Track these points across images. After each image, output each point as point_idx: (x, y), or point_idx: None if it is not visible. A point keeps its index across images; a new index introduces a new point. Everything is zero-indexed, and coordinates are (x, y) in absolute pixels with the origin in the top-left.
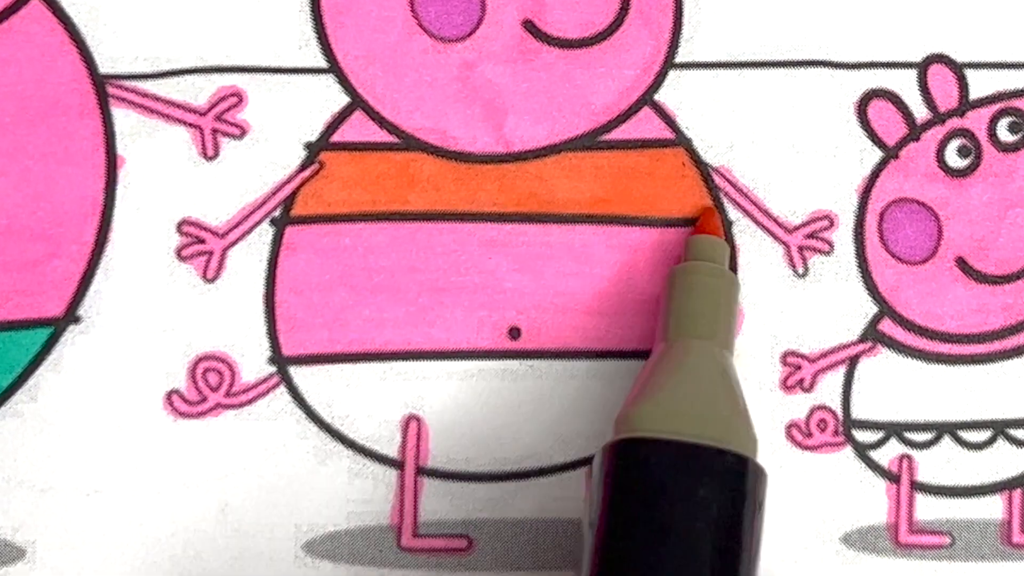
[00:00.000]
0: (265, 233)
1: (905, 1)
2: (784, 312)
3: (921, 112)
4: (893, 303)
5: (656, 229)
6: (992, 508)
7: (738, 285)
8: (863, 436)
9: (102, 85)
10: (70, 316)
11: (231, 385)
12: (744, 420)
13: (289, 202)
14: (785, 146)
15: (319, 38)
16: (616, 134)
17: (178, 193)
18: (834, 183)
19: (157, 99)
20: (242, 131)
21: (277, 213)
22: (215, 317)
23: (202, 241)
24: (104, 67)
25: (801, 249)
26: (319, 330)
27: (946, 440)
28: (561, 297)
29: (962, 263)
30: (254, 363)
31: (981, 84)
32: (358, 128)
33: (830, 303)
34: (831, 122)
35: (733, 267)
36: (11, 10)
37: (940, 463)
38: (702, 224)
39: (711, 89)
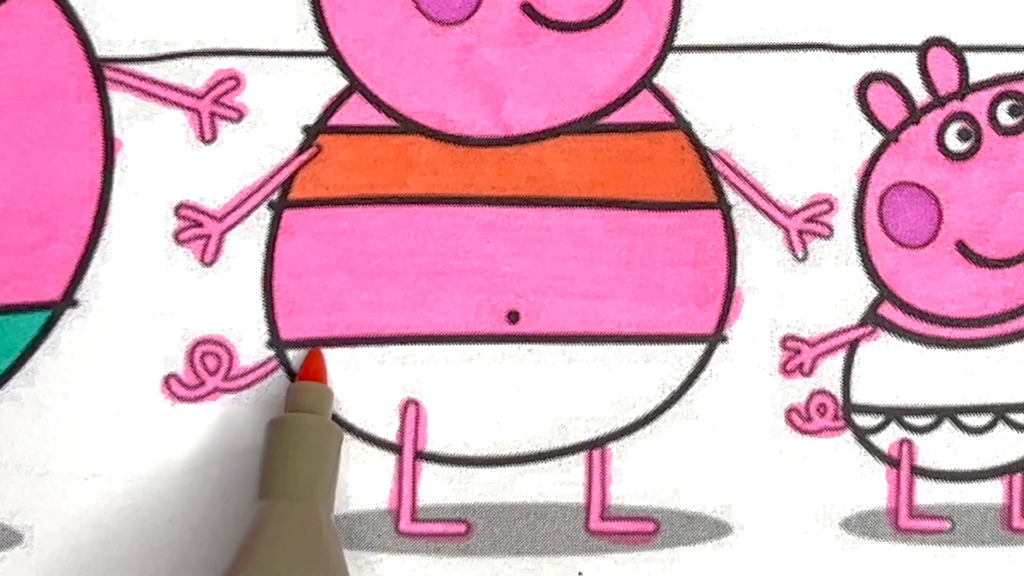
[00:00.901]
0: (263, 217)
1: None
2: (784, 296)
3: (921, 95)
4: (893, 287)
5: (655, 212)
6: (992, 493)
7: (340, 436)
8: (863, 420)
9: (99, 68)
10: (68, 300)
11: (229, 369)
12: None
13: (287, 185)
14: (785, 129)
15: (317, 21)
16: (615, 117)
17: (176, 176)
18: (834, 167)
19: (155, 82)
20: (240, 114)
21: (275, 197)
22: (213, 301)
23: (200, 225)
24: (102, 50)
25: (801, 233)
26: (317, 314)
27: (946, 424)
28: (560, 281)
29: (962, 247)
30: (252, 347)
31: (981, 67)
32: (356, 111)
33: (830, 287)
34: (831, 105)
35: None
36: None
37: (940, 447)
38: (305, 369)
39: (710, 72)
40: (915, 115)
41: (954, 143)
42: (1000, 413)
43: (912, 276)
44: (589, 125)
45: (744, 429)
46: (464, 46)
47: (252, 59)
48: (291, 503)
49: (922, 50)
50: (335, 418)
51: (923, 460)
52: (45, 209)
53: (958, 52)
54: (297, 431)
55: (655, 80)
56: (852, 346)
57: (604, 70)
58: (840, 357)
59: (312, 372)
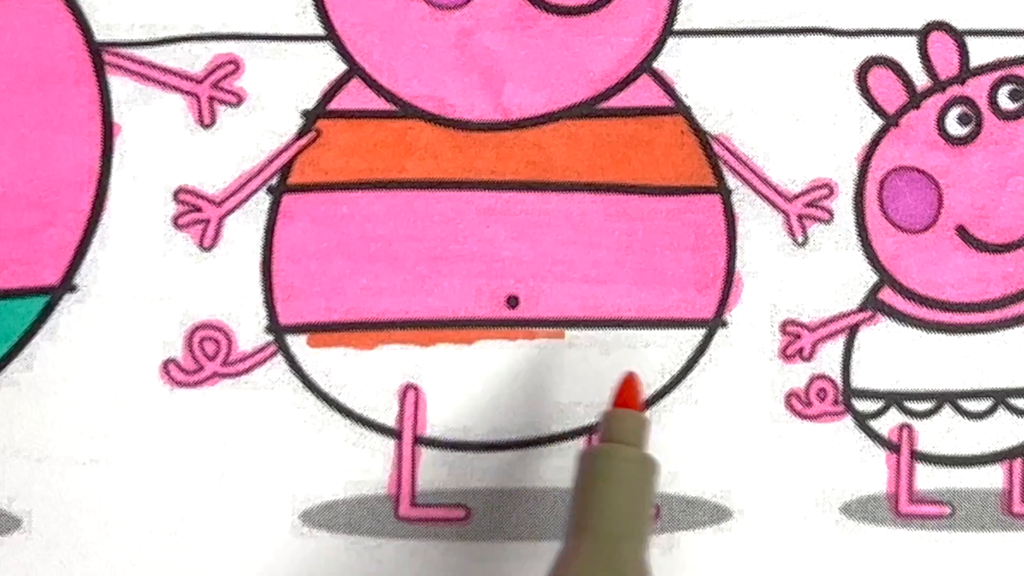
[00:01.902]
0: (262, 201)
1: None
2: (783, 281)
3: (921, 80)
4: (893, 272)
5: (655, 197)
6: (992, 478)
7: (659, 469)
8: (863, 405)
9: (98, 52)
10: (66, 285)
11: (228, 354)
12: None
13: (286, 170)
14: (785, 114)
15: (316, 5)
16: (615, 102)
17: (174, 161)
18: (834, 151)
19: (153, 67)
20: (239, 99)
21: (274, 181)
22: (212, 286)
23: (199, 209)
24: (100, 34)
25: (801, 218)
26: (316, 299)
27: (946, 409)
28: (559, 266)
29: (962, 231)
30: (251, 332)
31: (982, 51)
32: (355, 96)
33: (830, 272)
34: (831, 90)
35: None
36: None
37: (940, 432)
38: (622, 394)
39: (710, 56)
40: (915, 99)
41: (954, 127)
42: (1000, 398)
43: (912, 261)
44: (589, 110)
45: (744, 414)
46: (463, 30)
47: (251, 43)
48: (615, 542)
49: (922, 34)
50: (333, 403)
51: (923, 445)
52: (43, 194)
53: (958, 36)
54: (621, 463)
55: (655, 64)
56: (852, 331)
57: (604, 54)
58: (840, 342)
59: (629, 399)
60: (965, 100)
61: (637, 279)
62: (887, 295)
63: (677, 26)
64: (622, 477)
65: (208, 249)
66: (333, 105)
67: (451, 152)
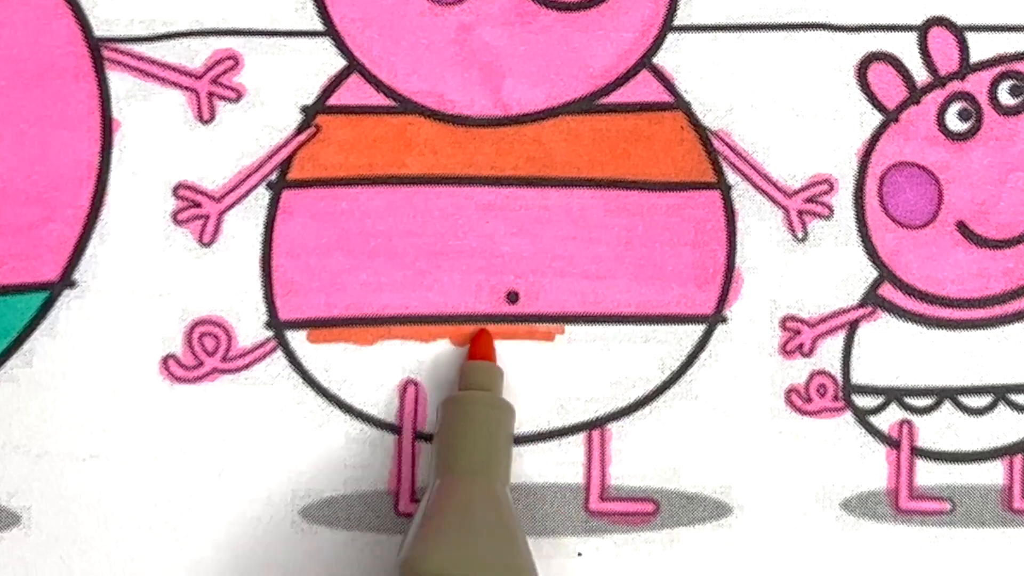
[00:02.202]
0: (262, 197)
1: None
2: (783, 277)
3: (921, 75)
4: (893, 267)
5: (655, 193)
6: (993, 474)
7: (513, 413)
8: (863, 401)
9: (97, 48)
10: (66, 280)
11: (228, 350)
12: (526, 560)
13: (286, 166)
14: (785, 109)
15: (315, 1)
16: (614, 97)
17: (174, 157)
18: (834, 147)
19: (153, 62)
20: (238, 94)
21: (274, 177)
22: (211, 281)
23: (198, 205)
24: (99, 30)
25: (801, 213)
26: (316, 294)
27: (946, 405)
28: (559, 261)
29: (963, 227)
30: (251, 328)
31: (982, 47)
32: (355, 91)
33: (830, 267)
34: (831, 85)
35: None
36: None
37: (940, 428)
38: (475, 348)
39: (710, 52)
40: (915, 95)
41: (955, 123)
42: (1000, 394)
43: (912, 256)
44: (588, 105)
45: (744, 410)
46: (463, 26)
47: (250, 39)
48: (470, 477)
49: (922, 30)
50: (333, 398)
51: (923, 441)
52: (43, 189)
53: (959, 32)
54: (472, 408)
55: (655, 60)
56: (852, 326)
57: (603, 50)
58: (840, 338)
59: (482, 351)
60: (965, 96)
61: (637, 275)
62: (887, 291)
63: (677, 22)
64: (476, 418)
65: (208, 245)
66: (332, 101)
67: (451, 148)
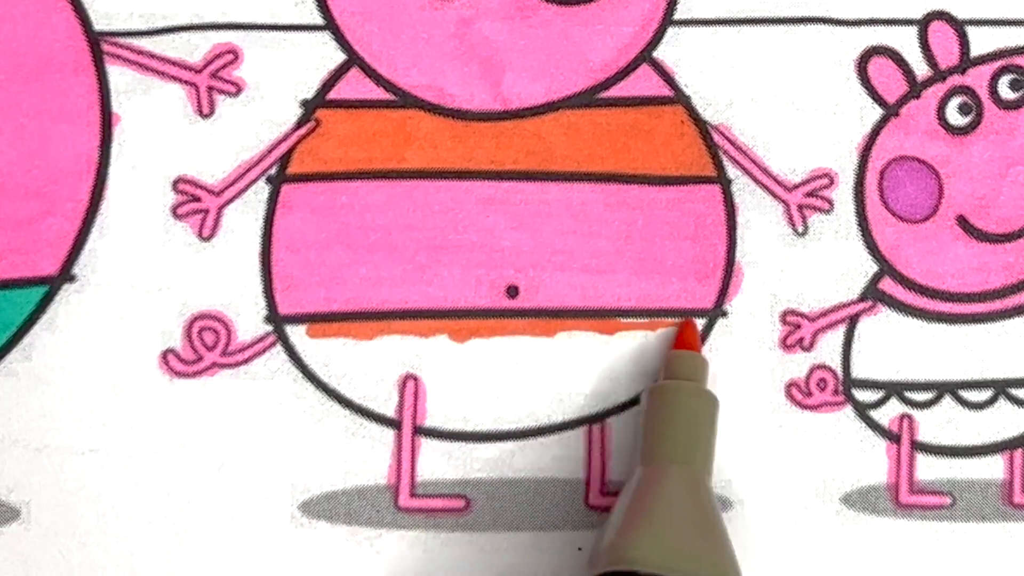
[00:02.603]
0: (261, 191)
1: None
2: (784, 271)
3: (922, 69)
4: (893, 262)
5: (655, 187)
6: (993, 468)
7: (717, 404)
8: (863, 395)
9: (97, 42)
10: (65, 275)
11: (227, 344)
12: (731, 555)
13: (285, 160)
14: (785, 104)
15: None
16: (614, 91)
17: (173, 151)
18: (834, 141)
19: (152, 56)
20: (238, 88)
21: (273, 171)
22: (211, 276)
23: (198, 199)
24: (99, 24)
25: (801, 207)
26: (316, 289)
27: (947, 400)
28: (559, 255)
29: (963, 221)
30: (250, 322)
31: (982, 41)
32: (354, 85)
33: (830, 262)
34: (831, 79)
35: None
36: None
37: (941, 423)
38: (681, 339)
39: (710, 46)
40: (916, 89)
41: (955, 117)
42: (1001, 388)
43: (912, 251)
44: (588, 99)
45: (744, 404)
46: (463, 20)
47: (250, 33)
48: (676, 466)
49: (923, 24)
50: (332, 393)
51: (924, 435)
52: (42, 184)
53: (959, 26)
54: (678, 397)
55: (655, 54)
56: (852, 321)
57: (603, 44)
58: (840, 332)
59: (688, 342)
60: (966, 90)
61: (637, 269)
62: (887, 285)
63: (677, 15)
64: (682, 409)
65: (207, 239)
66: (332, 95)
67: (451, 142)
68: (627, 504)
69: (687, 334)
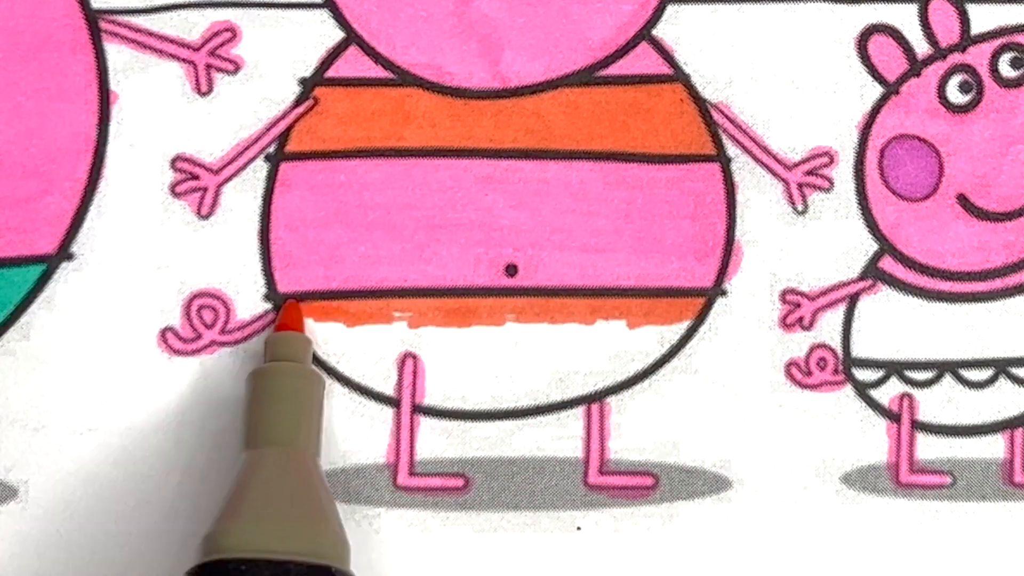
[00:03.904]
0: (260, 169)
1: None
2: (783, 250)
3: (922, 47)
4: (894, 240)
5: (654, 165)
6: (994, 447)
7: (322, 382)
8: (863, 375)
9: (95, 20)
10: (63, 253)
11: (226, 322)
12: (332, 528)
13: (284, 138)
14: (784, 82)
15: None
16: (614, 69)
17: (172, 129)
18: (834, 119)
19: (150, 34)
20: (236, 66)
21: (272, 149)
22: (209, 254)
23: (196, 177)
24: (97, 2)
25: (801, 186)
26: (314, 267)
27: (947, 379)
28: (558, 234)
29: (963, 200)
30: (249, 300)
31: (983, 19)
32: (353, 63)
33: (830, 240)
34: (831, 58)
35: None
36: None
37: (941, 402)
38: (283, 320)
39: (710, 24)
40: (916, 67)
41: (955, 95)
42: (1001, 367)
43: (913, 229)
44: (588, 77)
45: (743, 383)
46: None
47: (248, 11)
48: (277, 449)
49: (923, 2)
50: (331, 371)
51: (924, 414)
52: (40, 162)
53: (959, 4)
54: (278, 379)
55: (654, 32)
56: (852, 300)
57: (603, 22)
58: (840, 311)
59: (290, 322)
60: (966, 68)
61: (636, 247)
62: (887, 264)
63: None
64: (282, 390)
65: (206, 217)
66: (331, 73)
67: (449, 120)
68: (228, 493)
69: (290, 314)
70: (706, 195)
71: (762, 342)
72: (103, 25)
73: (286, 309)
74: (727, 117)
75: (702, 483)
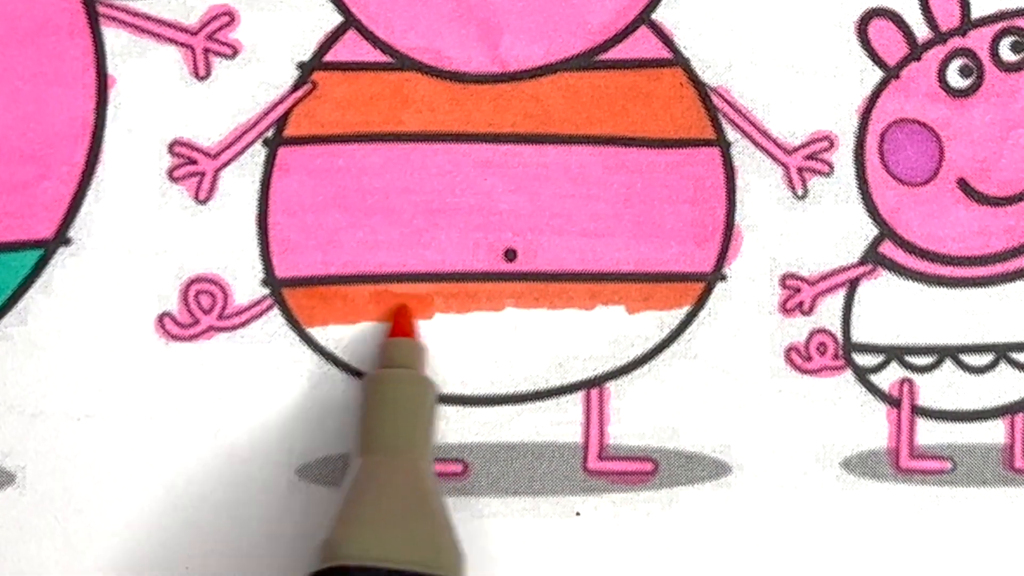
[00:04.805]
0: (258, 154)
1: None
2: (783, 234)
3: (922, 31)
4: (894, 225)
5: (653, 150)
6: (994, 433)
7: (435, 388)
8: (863, 360)
9: (92, 4)
10: (60, 238)
11: (224, 308)
12: (448, 538)
13: (282, 122)
14: (784, 66)
15: None
16: (613, 54)
17: (169, 113)
18: (834, 103)
19: (148, 18)
20: (234, 51)
21: (270, 134)
22: (207, 239)
23: (194, 162)
24: None
25: (800, 170)
26: (313, 252)
27: (947, 364)
28: (557, 219)
29: (963, 184)
30: (247, 285)
31: (983, 3)
32: (351, 48)
33: (830, 225)
34: (831, 42)
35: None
36: None
37: (941, 387)
38: (396, 326)
39: (709, 8)
40: (916, 51)
41: (955, 80)
42: (1002, 352)
43: (913, 214)
44: (587, 61)
45: (743, 368)
46: None
47: None
48: (393, 456)
49: None
50: (330, 356)
51: (924, 400)
52: (37, 147)
53: None
54: (394, 386)
55: (653, 16)
56: (852, 284)
57: (602, 5)
58: (840, 296)
59: (403, 328)
60: (966, 52)
61: (635, 232)
62: (888, 248)
63: None
64: (398, 397)
65: (204, 202)
66: (329, 57)
67: (448, 104)
68: (344, 499)
69: (403, 321)
70: (706, 180)
71: (762, 327)
72: (100, 9)
73: (399, 314)
74: (727, 101)
75: (702, 468)
